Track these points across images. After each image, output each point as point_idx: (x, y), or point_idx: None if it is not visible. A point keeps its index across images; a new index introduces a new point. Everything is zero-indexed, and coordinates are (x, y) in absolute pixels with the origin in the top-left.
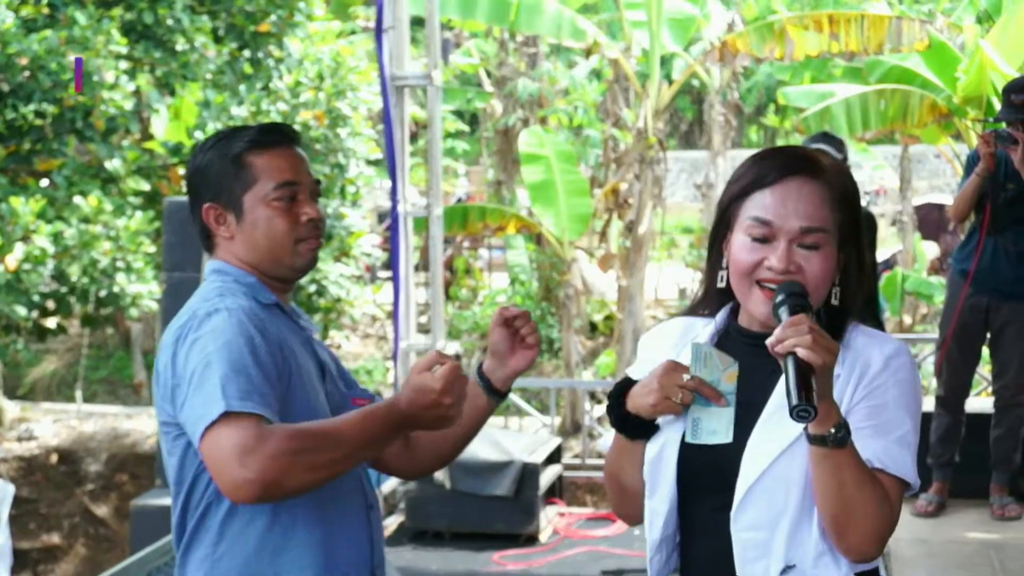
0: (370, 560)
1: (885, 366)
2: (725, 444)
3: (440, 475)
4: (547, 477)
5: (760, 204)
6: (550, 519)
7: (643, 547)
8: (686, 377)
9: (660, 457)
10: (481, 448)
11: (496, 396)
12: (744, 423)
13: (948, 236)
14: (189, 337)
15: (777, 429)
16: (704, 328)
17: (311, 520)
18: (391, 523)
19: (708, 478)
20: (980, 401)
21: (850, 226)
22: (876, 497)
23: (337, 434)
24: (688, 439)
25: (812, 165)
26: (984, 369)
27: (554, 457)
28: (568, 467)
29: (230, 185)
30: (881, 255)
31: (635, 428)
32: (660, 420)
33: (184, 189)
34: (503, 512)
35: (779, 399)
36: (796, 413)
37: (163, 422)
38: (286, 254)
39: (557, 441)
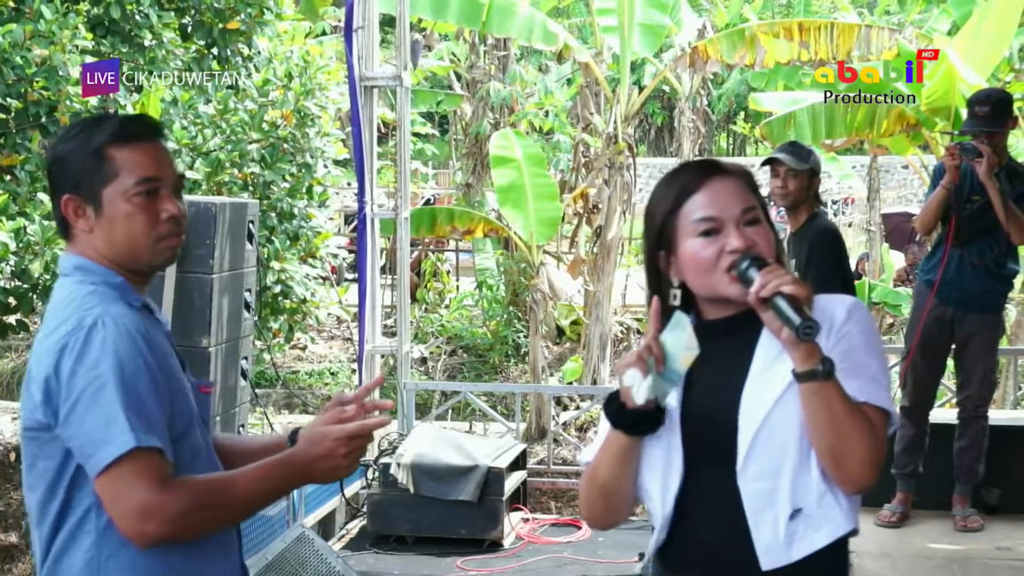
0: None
1: (848, 316)
2: (723, 409)
3: (404, 479)
4: (511, 483)
5: (698, 206)
6: (514, 525)
7: (607, 554)
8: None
9: (661, 436)
10: (445, 453)
11: None
12: (734, 389)
13: (915, 247)
14: (75, 348)
15: (765, 385)
16: None
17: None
18: (353, 527)
19: (710, 444)
20: (944, 412)
21: (764, 207)
22: (865, 423)
23: (234, 489)
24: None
25: (719, 166)
26: (949, 380)
27: (519, 463)
28: (533, 473)
29: (90, 178)
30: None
31: (636, 422)
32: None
33: None
34: (467, 517)
35: (762, 360)
36: (802, 330)
37: (31, 428)
38: (145, 252)
39: (522, 447)
